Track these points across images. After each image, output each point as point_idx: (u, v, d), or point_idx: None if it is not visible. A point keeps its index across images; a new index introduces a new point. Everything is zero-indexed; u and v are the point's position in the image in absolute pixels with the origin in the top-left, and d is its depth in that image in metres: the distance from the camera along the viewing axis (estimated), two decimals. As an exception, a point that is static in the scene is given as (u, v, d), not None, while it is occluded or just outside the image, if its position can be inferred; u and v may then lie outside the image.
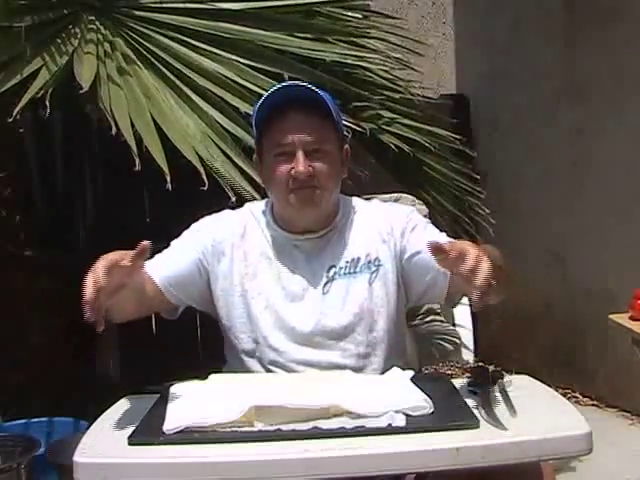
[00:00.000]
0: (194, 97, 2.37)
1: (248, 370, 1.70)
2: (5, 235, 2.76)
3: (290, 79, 2.27)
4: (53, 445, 2.45)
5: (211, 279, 1.73)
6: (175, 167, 2.13)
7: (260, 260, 1.72)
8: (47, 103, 2.06)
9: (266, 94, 1.68)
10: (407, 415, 1.33)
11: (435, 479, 1.37)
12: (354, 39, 2.69)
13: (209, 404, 1.39)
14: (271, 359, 1.67)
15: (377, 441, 1.26)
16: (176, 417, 1.33)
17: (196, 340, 2.87)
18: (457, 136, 2.96)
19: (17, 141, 2.76)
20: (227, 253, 1.72)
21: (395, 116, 2.73)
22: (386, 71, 2.80)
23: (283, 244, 1.73)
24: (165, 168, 2.11)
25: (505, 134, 4.30)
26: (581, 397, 3.78)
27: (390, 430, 1.29)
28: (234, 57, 2.45)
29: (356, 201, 1.81)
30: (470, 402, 1.41)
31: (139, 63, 2.39)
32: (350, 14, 2.76)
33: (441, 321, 2.15)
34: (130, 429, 1.33)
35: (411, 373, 1.58)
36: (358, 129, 2.38)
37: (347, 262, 1.70)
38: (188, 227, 1.80)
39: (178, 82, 2.39)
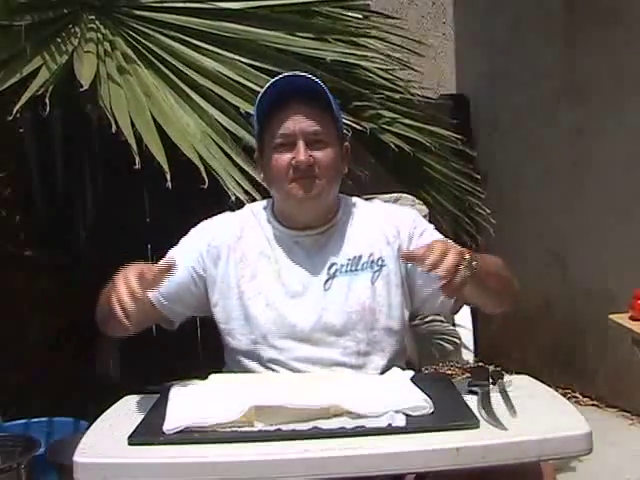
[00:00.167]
0: (194, 96, 2.37)
1: (248, 371, 1.69)
2: (5, 235, 2.76)
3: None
4: (53, 445, 2.45)
5: (208, 284, 1.73)
6: (175, 166, 2.13)
7: (259, 259, 1.71)
8: (47, 101, 2.05)
9: (267, 85, 1.68)
10: (407, 415, 1.33)
11: (435, 479, 1.37)
12: (354, 39, 2.69)
13: (209, 404, 1.39)
14: (271, 357, 1.66)
15: (377, 441, 1.26)
16: (176, 417, 1.33)
17: (196, 340, 2.86)
18: (457, 136, 2.96)
19: (17, 141, 2.77)
20: (223, 256, 1.72)
21: (395, 116, 2.73)
22: (386, 71, 2.81)
23: (283, 240, 1.72)
24: (165, 166, 2.11)
25: (505, 134, 4.30)
26: (581, 397, 3.78)
27: (390, 430, 1.29)
28: (234, 56, 2.45)
29: (357, 200, 1.81)
30: (470, 402, 1.41)
31: (139, 62, 2.39)
32: (350, 14, 2.76)
33: (441, 321, 2.15)
34: (130, 429, 1.33)
35: (411, 373, 1.58)
36: (358, 127, 2.38)
37: (349, 260, 1.70)
38: (188, 226, 1.80)
39: (178, 81, 2.39)
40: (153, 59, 2.42)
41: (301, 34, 2.56)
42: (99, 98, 2.20)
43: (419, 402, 1.36)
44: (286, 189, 1.67)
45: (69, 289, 2.78)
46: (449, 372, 3.82)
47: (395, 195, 2.17)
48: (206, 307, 1.74)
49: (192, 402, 1.42)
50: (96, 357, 3.01)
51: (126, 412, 1.46)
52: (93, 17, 2.48)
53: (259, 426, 1.31)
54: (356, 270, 1.69)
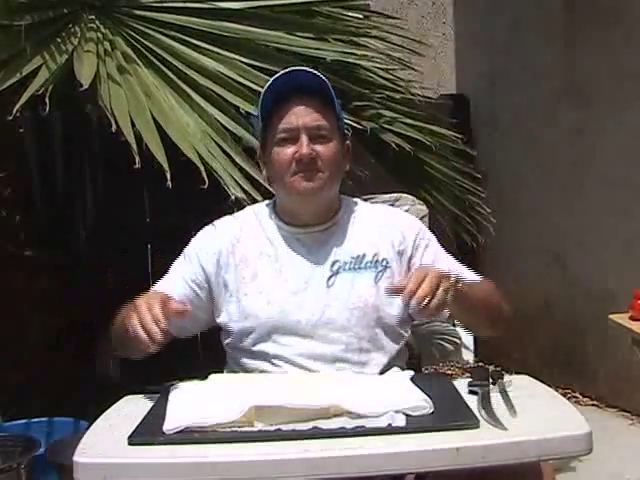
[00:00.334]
0: (194, 96, 2.37)
1: (251, 370, 1.70)
2: (5, 235, 2.76)
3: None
4: (53, 445, 2.45)
5: (213, 291, 1.74)
6: (175, 166, 2.13)
7: (259, 259, 1.72)
8: (47, 101, 2.05)
9: (270, 80, 1.70)
10: (407, 415, 1.33)
11: (435, 479, 1.38)
12: (354, 39, 2.69)
13: (209, 404, 1.39)
14: (275, 354, 1.67)
15: (377, 441, 1.26)
16: (176, 417, 1.33)
17: (196, 340, 2.86)
18: (458, 135, 2.96)
19: (17, 141, 2.76)
20: (222, 262, 1.73)
21: (396, 115, 2.73)
22: (386, 71, 2.81)
23: (285, 237, 1.74)
24: (165, 166, 2.11)
25: (505, 134, 4.30)
26: (581, 397, 3.78)
27: (390, 430, 1.29)
28: (234, 56, 2.45)
29: (359, 201, 1.84)
30: (470, 402, 1.41)
31: (139, 62, 2.39)
32: (350, 14, 2.76)
33: (441, 321, 2.15)
34: (130, 429, 1.33)
35: (411, 373, 1.58)
36: (359, 127, 2.38)
37: (352, 258, 1.72)
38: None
39: (178, 81, 2.39)
40: (153, 59, 2.42)
41: (301, 34, 2.56)
42: (99, 98, 2.20)
43: (419, 402, 1.36)
44: (288, 182, 1.69)
45: (69, 289, 2.78)
46: (449, 372, 3.83)
47: (395, 195, 2.18)
48: (212, 314, 1.76)
49: (192, 402, 1.42)
50: (96, 357, 3.01)
51: (126, 412, 1.46)
52: (93, 17, 2.48)
53: (259, 426, 1.31)
54: (359, 268, 1.71)
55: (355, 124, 2.35)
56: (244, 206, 1.97)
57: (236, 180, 2.23)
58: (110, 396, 1.55)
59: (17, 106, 2.07)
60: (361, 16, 2.82)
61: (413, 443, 1.26)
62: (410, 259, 1.75)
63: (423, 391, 1.41)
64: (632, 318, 2.28)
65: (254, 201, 2.06)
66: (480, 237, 2.95)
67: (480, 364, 3.76)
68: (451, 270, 1.68)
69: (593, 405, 3.72)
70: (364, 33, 2.75)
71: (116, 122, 2.13)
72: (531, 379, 1.59)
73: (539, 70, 4.00)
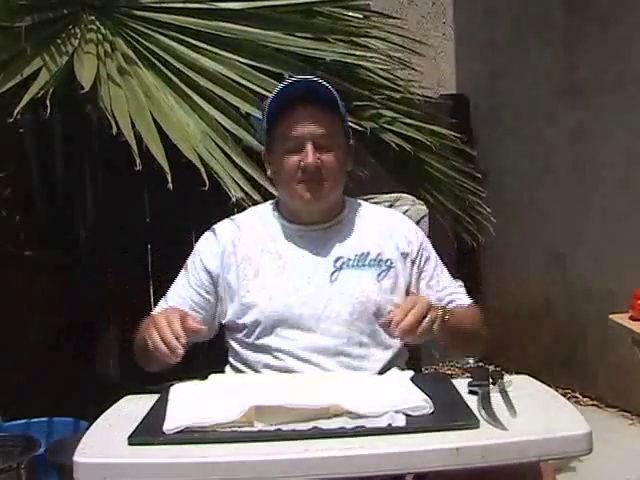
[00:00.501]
0: (194, 97, 2.37)
1: (255, 365, 1.71)
2: (5, 235, 2.76)
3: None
4: (53, 445, 2.45)
5: (219, 293, 1.77)
6: (175, 167, 2.13)
7: (262, 256, 1.75)
8: (47, 103, 2.05)
9: (276, 90, 1.72)
10: (407, 415, 1.33)
11: (435, 479, 1.38)
12: (354, 39, 2.69)
13: (209, 404, 1.39)
14: (278, 347, 1.69)
15: (377, 441, 1.26)
16: (176, 417, 1.33)
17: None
18: (458, 135, 2.96)
19: (17, 141, 2.76)
20: (225, 262, 1.76)
21: (396, 115, 2.73)
22: (386, 71, 2.80)
23: (288, 235, 1.77)
24: (166, 167, 2.11)
25: (505, 134, 4.31)
26: (581, 397, 3.78)
27: (390, 430, 1.29)
28: (234, 57, 2.45)
29: (362, 203, 1.88)
30: (470, 402, 1.41)
31: (139, 63, 2.39)
32: (350, 14, 2.76)
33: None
34: (130, 429, 1.33)
35: (411, 373, 1.58)
36: (359, 128, 2.37)
37: (356, 255, 1.75)
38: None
39: (178, 82, 2.39)
40: (153, 60, 2.42)
41: (301, 34, 2.56)
42: (99, 99, 2.20)
43: (419, 402, 1.36)
44: (293, 189, 1.72)
45: (69, 289, 2.78)
46: (449, 372, 3.82)
47: (395, 195, 2.18)
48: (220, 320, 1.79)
49: (192, 402, 1.42)
50: (96, 357, 3.01)
51: (126, 412, 1.46)
52: (93, 18, 2.47)
53: (259, 426, 1.31)
54: (363, 265, 1.74)
55: (355, 125, 2.35)
56: (245, 207, 1.98)
57: (236, 181, 2.23)
58: (110, 396, 1.55)
59: (17, 109, 2.07)
60: (361, 16, 2.82)
61: (413, 443, 1.26)
62: (413, 264, 1.79)
63: (423, 391, 1.41)
64: (632, 318, 2.28)
65: (254, 202, 2.07)
66: (480, 237, 2.95)
67: (480, 364, 3.76)
68: (445, 287, 1.80)
69: (593, 405, 3.72)
70: (364, 33, 2.75)
71: (116, 123, 2.13)
72: (531, 379, 1.59)
73: (539, 70, 4.00)
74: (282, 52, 2.50)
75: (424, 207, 2.17)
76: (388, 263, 1.75)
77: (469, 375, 1.56)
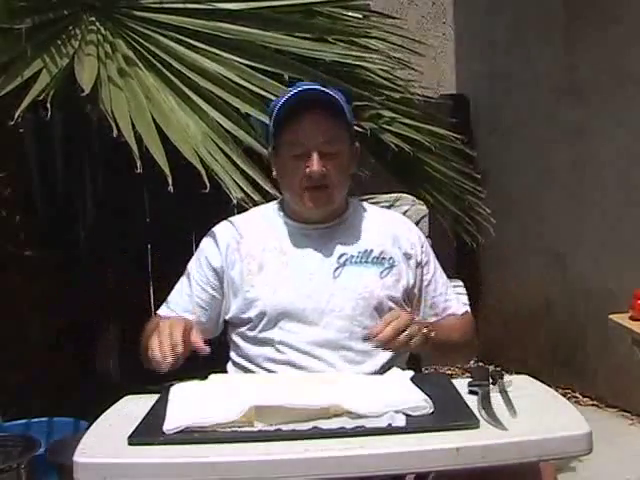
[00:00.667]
0: (195, 98, 2.37)
1: (257, 360, 1.73)
2: (5, 235, 2.76)
3: (290, 79, 2.28)
4: (53, 445, 2.45)
5: (224, 288, 1.80)
6: (176, 168, 2.14)
7: (266, 252, 1.77)
8: (48, 106, 2.06)
9: (286, 96, 1.74)
10: (407, 415, 1.33)
11: (435, 479, 1.38)
12: (354, 39, 2.68)
13: (209, 404, 1.39)
14: (282, 340, 1.71)
15: (377, 441, 1.26)
16: (176, 417, 1.34)
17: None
18: (457, 135, 2.96)
19: (17, 141, 2.76)
20: (229, 259, 1.79)
21: (396, 116, 2.73)
22: (386, 71, 2.80)
23: (292, 233, 1.80)
24: (166, 169, 2.11)
25: (505, 134, 4.30)
26: (581, 397, 3.78)
27: (390, 430, 1.29)
28: (235, 58, 2.45)
29: (366, 204, 1.91)
30: (470, 402, 1.41)
31: (140, 64, 2.39)
32: (350, 14, 2.75)
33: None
34: (130, 429, 1.33)
35: (411, 373, 1.58)
36: (359, 129, 2.37)
37: (359, 252, 1.78)
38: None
39: (179, 83, 2.38)
40: (154, 61, 2.41)
41: (301, 34, 2.56)
42: (100, 101, 2.19)
43: (419, 402, 1.36)
44: (298, 195, 1.75)
45: (69, 289, 2.79)
46: (449, 372, 3.82)
47: (395, 195, 2.18)
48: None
49: (192, 402, 1.42)
50: (96, 357, 3.01)
51: (126, 412, 1.46)
52: (93, 19, 2.47)
53: (259, 426, 1.31)
54: (366, 262, 1.77)
55: (355, 126, 2.35)
56: (245, 208, 2.00)
57: (237, 182, 2.23)
58: (110, 396, 1.55)
59: (18, 111, 2.07)
60: (361, 16, 2.82)
61: (413, 443, 1.26)
62: (418, 265, 1.82)
63: (423, 391, 1.41)
64: (632, 318, 2.28)
65: (255, 203, 2.07)
66: (480, 237, 2.95)
67: (480, 364, 3.76)
68: (442, 294, 1.84)
69: (593, 405, 3.72)
70: (364, 33, 2.75)
71: (117, 124, 2.13)
72: (531, 379, 1.59)
73: (539, 70, 4.00)
74: (282, 53, 2.50)
75: (424, 207, 2.18)
76: (391, 261, 1.78)
77: (469, 375, 1.56)
